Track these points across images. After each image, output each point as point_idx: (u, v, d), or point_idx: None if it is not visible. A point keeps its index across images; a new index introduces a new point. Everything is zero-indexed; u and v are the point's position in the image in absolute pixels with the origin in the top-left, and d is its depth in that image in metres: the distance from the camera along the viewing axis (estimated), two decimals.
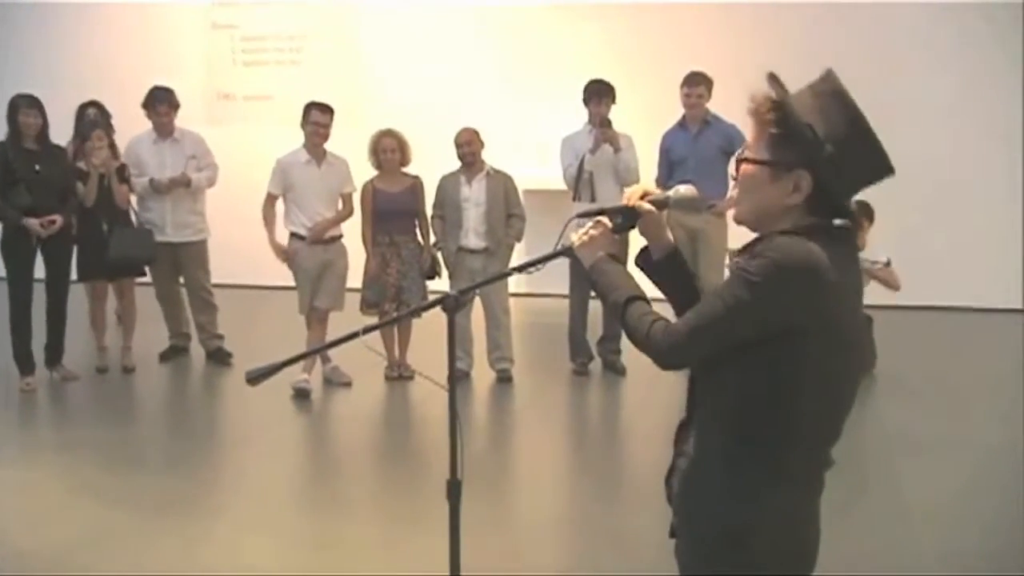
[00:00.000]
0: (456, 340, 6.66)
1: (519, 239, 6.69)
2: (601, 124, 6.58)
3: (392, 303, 6.70)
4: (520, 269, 2.36)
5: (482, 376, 6.77)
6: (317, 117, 6.50)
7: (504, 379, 6.66)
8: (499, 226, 6.59)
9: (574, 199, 6.65)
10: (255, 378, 2.35)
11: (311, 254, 6.54)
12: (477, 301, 6.78)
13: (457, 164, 6.69)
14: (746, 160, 1.90)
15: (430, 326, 6.87)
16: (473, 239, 6.59)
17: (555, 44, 9.32)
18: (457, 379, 6.49)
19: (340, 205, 6.71)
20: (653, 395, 6.48)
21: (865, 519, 4.37)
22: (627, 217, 2.09)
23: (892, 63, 8.50)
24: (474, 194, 6.60)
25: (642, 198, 2.10)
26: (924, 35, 8.74)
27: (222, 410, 6.66)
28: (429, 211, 6.77)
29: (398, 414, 6.47)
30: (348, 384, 6.67)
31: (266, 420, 6.04)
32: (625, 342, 6.74)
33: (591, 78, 6.84)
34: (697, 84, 6.70)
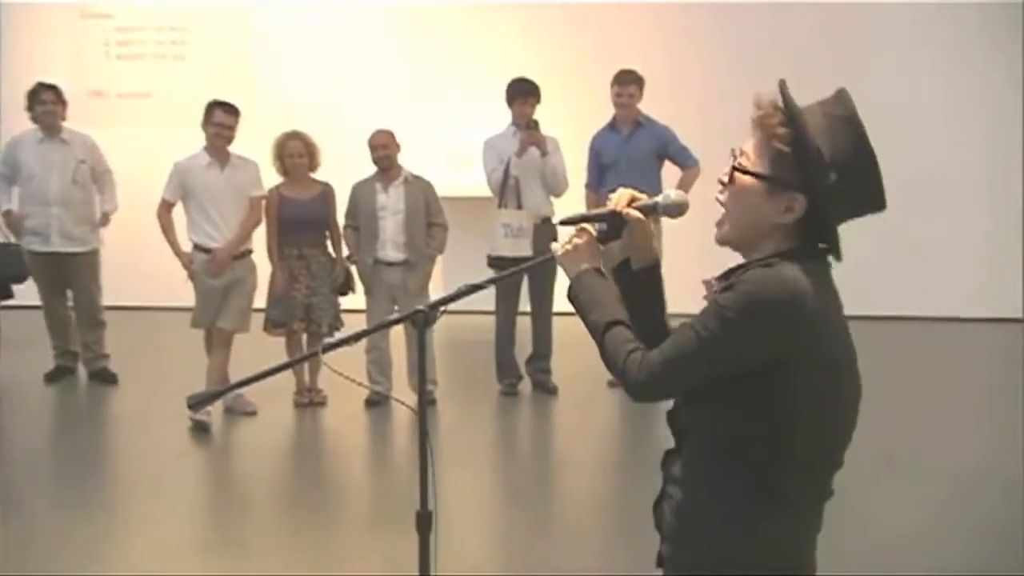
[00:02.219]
0: (377, 362, 6.12)
1: (441, 250, 6.20)
2: (528, 126, 6.15)
3: (301, 322, 6.11)
4: (496, 280, 2.37)
5: (403, 398, 6.21)
6: (221, 117, 5.86)
7: (427, 403, 6.12)
8: (419, 236, 6.08)
9: (500, 206, 6.19)
10: (196, 404, 2.26)
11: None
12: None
13: (368, 170, 6.16)
14: (743, 170, 1.79)
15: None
16: (391, 251, 6.06)
17: (473, 42, 8.82)
18: (374, 404, 6.18)
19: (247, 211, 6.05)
20: (587, 417, 6.07)
21: (849, 545, 4.04)
22: (613, 225, 1.96)
23: (852, 63, 8.14)
24: (391, 202, 6.07)
25: (629, 204, 1.96)
26: (867, 34, 8.56)
27: (111, 445, 5.92)
28: (341, 221, 6.21)
29: (311, 445, 5.87)
30: (253, 413, 6.03)
31: (161, 455, 5.37)
32: (556, 360, 6.51)
33: (513, 77, 6.39)
34: (628, 83, 6.34)
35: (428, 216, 6.11)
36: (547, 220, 6.27)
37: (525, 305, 6.50)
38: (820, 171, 1.72)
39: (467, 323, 8.01)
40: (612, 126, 6.48)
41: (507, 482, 5.28)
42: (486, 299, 6.49)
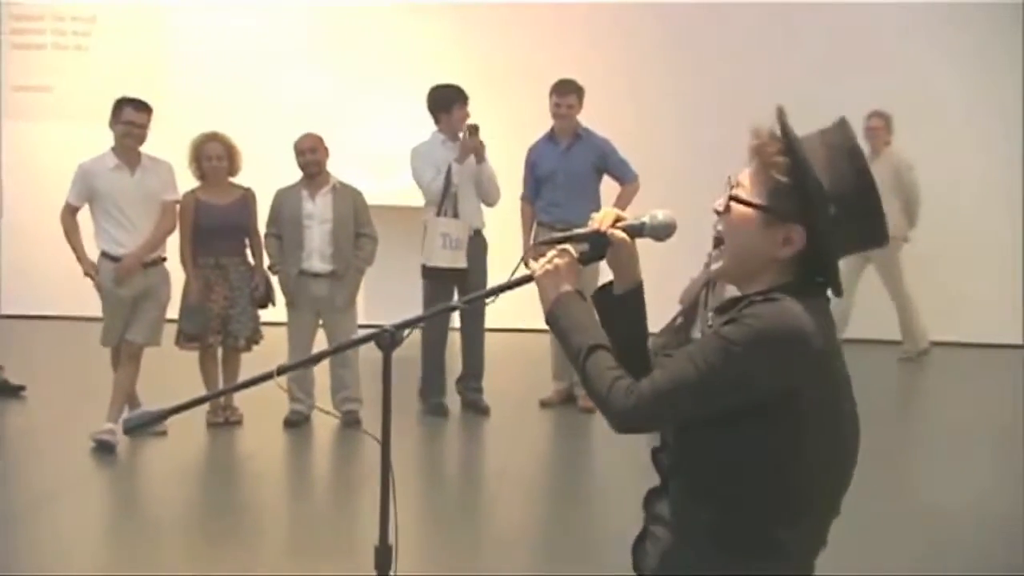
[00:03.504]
0: (298, 379, 5.74)
1: (370, 262, 5.89)
2: (470, 132, 5.88)
3: (216, 335, 5.73)
4: (472, 300, 2.28)
5: (325, 419, 5.90)
6: (131, 115, 5.43)
7: (351, 422, 5.82)
8: (347, 247, 5.77)
9: (439, 214, 5.92)
10: (132, 428, 2.37)
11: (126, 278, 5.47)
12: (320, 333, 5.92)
13: (288, 175, 5.83)
14: (739, 200, 1.74)
15: (250, 359, 6.05)
16: (317, 262, 5.73)
17: (401, 46, 8.49)
18: (294, 424, 5.83)
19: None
20: (521, 439, 5.83)
21: None
22: (596, 246, 1.88)
23: (787, 65, 8.10)
24: (318, 210, 5.74)
25: (613, 224, 1.88)
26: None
27: (3, 469, 5.41)
28: (261, 228, 5.85)
29: (225, 467, 5.47)
30: (163, 433, 5.60)
31: (61, 481, 4.92)
32: (488, 379, 6.26)
33: (436, 84, 6.10)
34: (567, 93, 6.12)
35: (356, 226, 5.81)
36: (479, 232, 6.05)
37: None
38: (820, 202, 1.67)
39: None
40: (550, 137, 6.27)
41: (436, 509, 4.97)
42: (395, 313, 6.22)
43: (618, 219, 1.88)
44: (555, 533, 4.52)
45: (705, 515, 1.73)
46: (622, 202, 6.06)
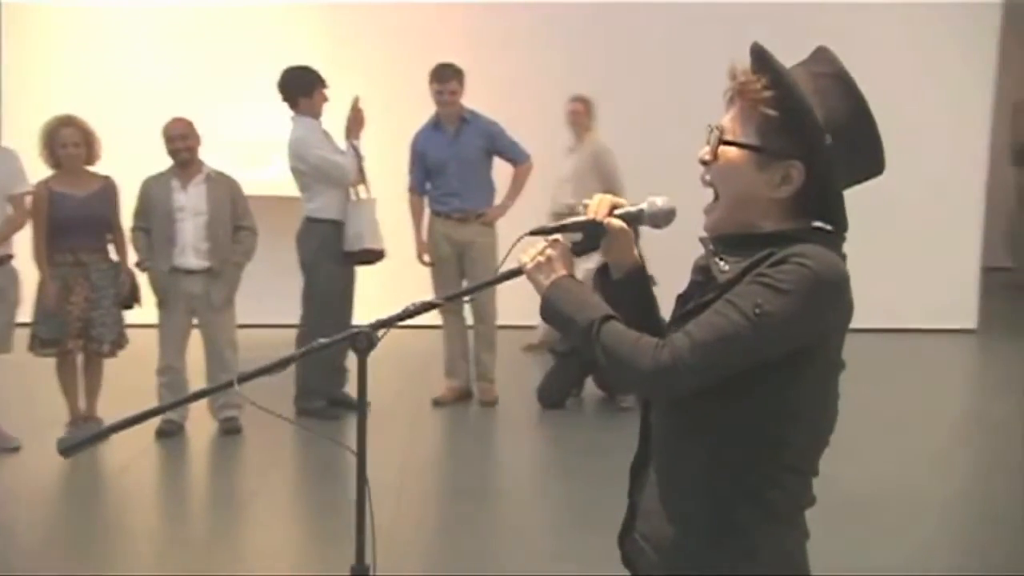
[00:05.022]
0: (170, 385, 5.27)
1: (250, 257, 5.48)
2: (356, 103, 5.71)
3: (76, 340, 5.20)
4: (455, 297, 2.08)
5: (202, 427, 5.44)
6: None
7: (231, 430, 5.39)
8: (224, 241, 5.34)
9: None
10: (68, 449, 1.87)
11: None
12: (195, 334, 5.46)
13: (155, 164, 5.38)
14: (729, 143, 1.64)
15: (115, 365, 5.53)
16: (192, 258, 5.29)
17: (267, 34, 8.01)
18: (167, 435, 5.35)
19: (9, 210, 5.07)
20: (414, 438, 5.55)
21: None
22: (591, 235, 1.77)
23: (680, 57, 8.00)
24: (191, 201, 5.29)
25: (610, 212, 1.77)
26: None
27: None
28: (125, 222, 5.36)
29: (89, 486, 4.94)
30: (15, 449, 5.04)
31: None
32: (376, 378, 5.90)
33: (295, 66, 5.74)
34: (448, 79, 5.88)
35: (234, 218, 5.39)
36: None
37: None
38: (817, 132, 1.58)
39: (273, 339, 7.28)
40: (435, 125, 6.01)
41: (322, 519, 4.59)
42: (290, 311, 5.90)
43: (614, 207, 1.77)
44: (458, 533, 4.27)
45: (703, 481, 1.64)
46: (517, 184, 5.98)
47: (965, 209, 8.68)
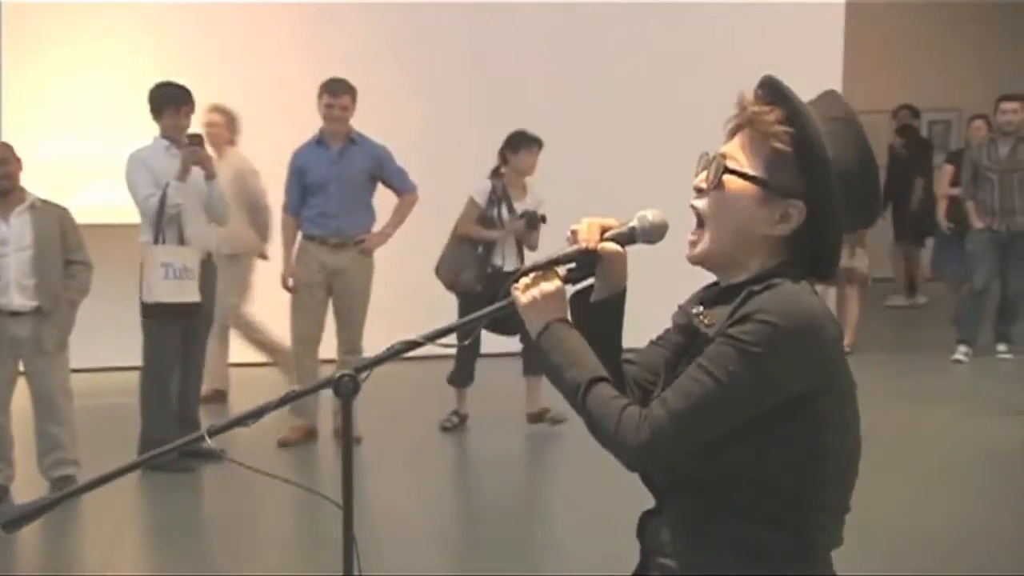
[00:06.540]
0: None
1: (85, 294, 4.94)
2: (190, 141, 5.15)
3: None
4: (437, 337, 1.77)
5: (30, 487, 4.83)
6: None
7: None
8: (54, 277, 4.80)
9: (156, 241, 5.11)
10: (9, 523, 1.76)
11: None
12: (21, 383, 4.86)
13: None
14: (737, 173, 1.61)
15: None
16: (16, 297, 4.72)
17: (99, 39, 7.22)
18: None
19: None
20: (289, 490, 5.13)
21: None
22: (584, 264, 1.73)
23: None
24: (14, 234, 4.74)
25: (602, 235, 1.72)
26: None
27: None
28: None
29: None
30: None
31: None
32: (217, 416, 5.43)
33: (165, 80, 5.30)
34: (340, 93, 5.53)
35: (65, 251, 4.86)
36: (210, 256, 5.34)
37: None
38: (827, 174, 1.57)
39: (106, 384, 6.65)
40: (319, 142, 5.64)
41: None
42: (129, 355, 5.40)
43: (604, 230, 1.73)
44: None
45: (735, 530, 1.59)
46: (400, 214, 5.70)
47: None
